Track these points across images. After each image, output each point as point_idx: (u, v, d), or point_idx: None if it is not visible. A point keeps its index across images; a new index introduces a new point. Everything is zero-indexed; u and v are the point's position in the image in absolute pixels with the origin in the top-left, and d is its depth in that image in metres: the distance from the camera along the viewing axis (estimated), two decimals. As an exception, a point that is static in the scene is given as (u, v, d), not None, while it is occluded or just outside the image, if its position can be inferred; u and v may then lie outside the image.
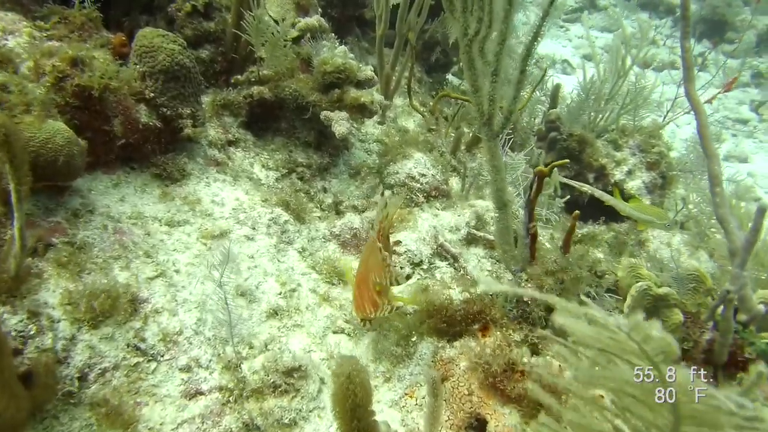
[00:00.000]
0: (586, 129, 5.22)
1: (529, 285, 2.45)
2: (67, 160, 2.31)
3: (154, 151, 3.06)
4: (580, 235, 4.14)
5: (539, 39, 2.28)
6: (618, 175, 4.95)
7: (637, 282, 2.77)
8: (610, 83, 5.31)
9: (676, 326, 2.59)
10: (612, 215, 4.35)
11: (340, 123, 3.38)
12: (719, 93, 5.96)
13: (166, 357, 2.30)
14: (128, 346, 2.24)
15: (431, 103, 5.30)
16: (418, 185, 3.74)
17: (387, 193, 3.75)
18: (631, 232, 4.69)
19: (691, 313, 2.67)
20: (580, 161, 5.00)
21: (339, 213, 3.62)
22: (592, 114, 5.25)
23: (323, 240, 3.32)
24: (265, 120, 3.78)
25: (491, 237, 3.58)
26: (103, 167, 2.91)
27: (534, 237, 2.48)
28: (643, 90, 5.28)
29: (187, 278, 2.63)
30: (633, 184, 4.93)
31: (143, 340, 2.28)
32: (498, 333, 2.49)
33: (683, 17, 3.03)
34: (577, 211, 2.55)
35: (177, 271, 2.64)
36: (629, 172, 4.98)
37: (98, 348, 2.15)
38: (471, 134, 4.90)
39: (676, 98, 6.74)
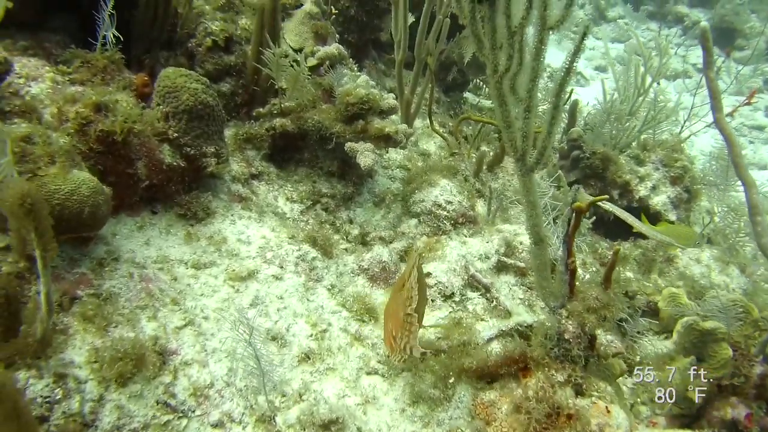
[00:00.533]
0: (608, 146, 5.12)
1: (570, 322, 2.36)
2: (93, 210, 2.25)
3: (178, 190, 3.01)
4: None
5: (571, 75, 2.20)
6: (642, 191, 4.85)
7: (679, 313, 2.67)
8: (631, 100, 5.23)
9: (725, 361, 2.49)
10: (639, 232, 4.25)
11: (365, 154, 3.31)
12: (741, 105, 5.84)
13: (198, 413, 2.22)
14: (158, 404, 2.16)
15: (451, 124, 5.23)
16: (445, 213, 3.66)
17: (413, 222, 3.67)
18: (658, 249, 4.58)
19: (739, 346, 2.57)
20: (603, 179, 4.90)
21: (366, 244, 3.55)
22: (613, 131, 5.16)
23: (352, 274, 3.24)
24: (288, 151, 3.72)
25: (522, 264, 3.49)
26: (127, 210, 2.86)
27: (573, 272, 2.39)
28: (664, 107, 5.19)
29: (216, 325, 2.56)
30: (658, 200, 4.82)
31: (173, 395, 2.21)
32: (539, 374, 2.40)
33: (704, 48, 2.99)
34: (617, 247, 2.44)
35: (205, 318, 2.57)
36: (653, 188, 4.87)
37: (127, 408, 2.08)
38: (492, 154, 4.82)
39: (692, 108, 6.65)
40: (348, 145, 3.41)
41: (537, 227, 2.35)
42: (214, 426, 2.21)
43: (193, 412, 2.22)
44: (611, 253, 2.43)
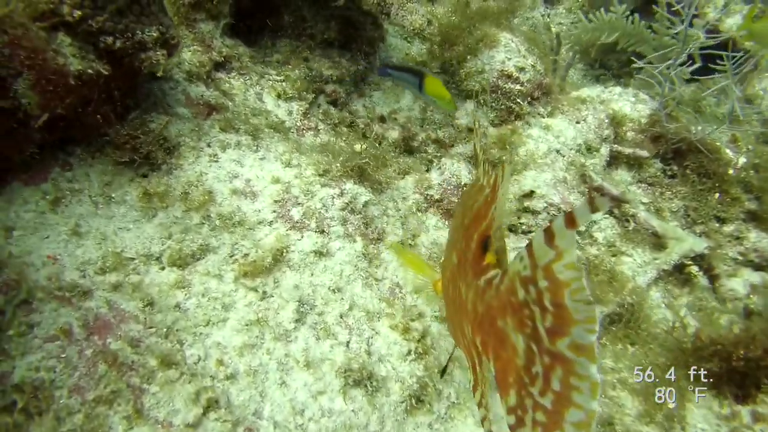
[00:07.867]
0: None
1: None
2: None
3: (107, 117, 1.62)
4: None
5: None
6: (711, 13, 3.69)
7: None
8: None
9: None
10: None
11: None
12: None
13: None
14: None
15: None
16: (519, 87, 2.40)
17: (467, 106, 2.40)
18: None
19: None
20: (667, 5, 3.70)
21: (413, 153, 2.29)
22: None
23: (418, 212, 2.02)
24: (259, 15, 2.29)
25: (644, 153, 2.37)
26: (23, 174, 1.50)
27: None
28: None
29: (253, 389, 1.34)
30: (732, 22, 3.68)
31: None
32: None
33: None
34: None
35: (231, 379, 1.34)
36: (725, 6, 3.71)
37: None
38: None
39: None
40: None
41: None
42: None
43: None
44: None
